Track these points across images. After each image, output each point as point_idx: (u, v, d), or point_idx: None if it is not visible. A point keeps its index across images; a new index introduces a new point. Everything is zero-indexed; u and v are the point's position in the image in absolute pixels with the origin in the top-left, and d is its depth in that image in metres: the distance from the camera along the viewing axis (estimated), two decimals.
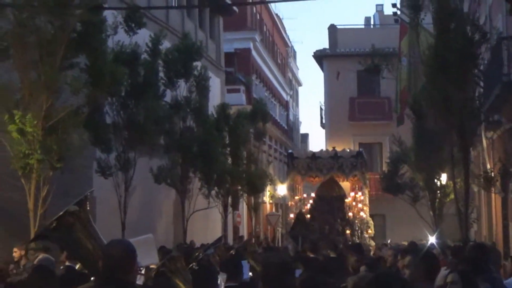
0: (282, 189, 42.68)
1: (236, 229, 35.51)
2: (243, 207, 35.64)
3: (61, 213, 5.19)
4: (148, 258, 6.12)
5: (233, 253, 14.97)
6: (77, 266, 8.42)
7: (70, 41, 14.03)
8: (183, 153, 23.47)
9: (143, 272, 6.66)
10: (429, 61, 18.28)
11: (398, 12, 27.91)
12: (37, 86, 13.52)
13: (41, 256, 10.44)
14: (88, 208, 5.35)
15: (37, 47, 13.50)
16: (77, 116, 14.54)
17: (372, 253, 22.42)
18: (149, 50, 21.46)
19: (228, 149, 28.22)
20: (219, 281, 8.01)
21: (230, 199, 28.68)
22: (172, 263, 6.62)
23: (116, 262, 4.58)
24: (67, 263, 10.02)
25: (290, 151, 32.22)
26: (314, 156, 27.99)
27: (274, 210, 44.25)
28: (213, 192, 26.08)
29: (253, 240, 31.66)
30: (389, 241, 26.20)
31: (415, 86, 23.46)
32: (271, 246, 20.98)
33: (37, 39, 13.51)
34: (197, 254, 11.15)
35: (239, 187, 29.42)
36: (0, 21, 13.46)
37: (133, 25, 20.28)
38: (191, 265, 9.71)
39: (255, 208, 34.16)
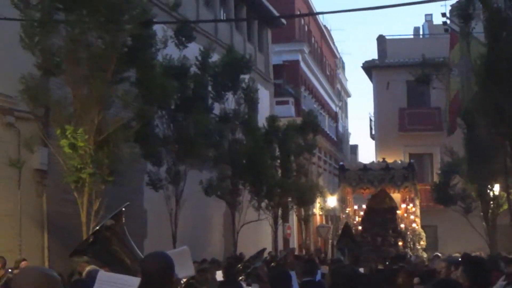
0: (332, 201, 42.50)
1: (286, 241, 35.45)
2: (293, 219, 35.59)
3: (97, 227, 5.23)
4: (184, 270, 6.16)
5: (274, 265, 15.01)
6: None
7: (120, 55, 14.17)
8: (233, 166, 23.52)
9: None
10: (481, 71, 18.06)
11: (448, 22, 27.69)
12: (88, 100, 13.68)
13: (89, 267, 10.51)
14: (124, 221, 5.33)
15: (89, 62, 13.66)
16: (128, 129, 14.66)
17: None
18: (198, 64, 21.61)
19: (278, 161, 28.21)
20: None
21: (280, 211, 28.64)
22: (202, 275, 6.63)
23: (155, 275, 4.56)
24: None
25: (341, 163, 32.10)
26: (365, 168, 27.80)
27: (324, 222, 44.09)
28: (263, 204, 26.07)
29: (304, 252, 31.62)
30: (439, 254, 25.84)
31: (466, 96, 23.16)
32: (311, 258, 20.87)
33: (89, 54, 13.68)
34: (238, 266, 11.16)
35: (289, 199, 29.38)
36: (53, 37, 13.67)
37: (183, 38, 20.46)
38: (240, 277, 9.74)
39: (305, 220, 34.07)
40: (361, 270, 14.48)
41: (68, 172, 13.73)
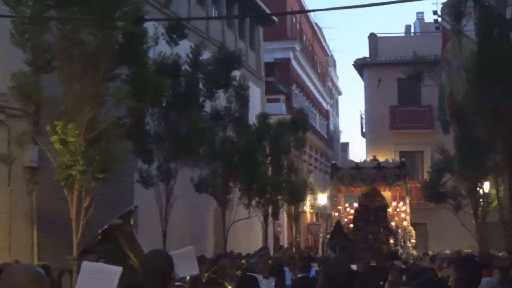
0: (322, 199, 42.57)
1: (276, 238, 35.48)
2: (284, 216, 35.60)
3: (105, 226, 5.33)
4: (189, 269, 6.37)
5: (271, 262, 15.16)
6: None
7: (112, 53, 14.13)
8: (224, 163, 23.51)
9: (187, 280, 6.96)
10: (473, 68, 18.08)
11: (439, 20, 27.67)
12: (80, 98, 13.64)
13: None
14: (132, 222, 5.46)
15: (81, 60, 13.61)
16: (120, 127, 14.63)
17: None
18: (190, 61, 21.57)
19: (269, 158, 28.20)
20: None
21: (270, 209, 28.64)
22: (222, 270, 6.85)
23: (155, 271, 4.74)
24: None
25: (333, 161, 32.20)
26: (357, 166, 27.88)
27: (314, 219, 44.15)
28: (253, 202, 26.07)
29: (294, 249, 31.67)
30: (430, 252, 25.92)
31: (457, 94, 23.16)
32: (307, 256, 20.97)
33: (81, 51, 13.63)
34: (242, 262, 11.29)
35: (280, 197, 29.39)
36: (44, 34, 13.61)
37: (174, 36, 20.43)
38: (236, 273, 9.88)
39: (295, 217, 34.09)
40: (354, 267, 14.61)
41: (59, 169, 13.68)
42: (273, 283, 10.06)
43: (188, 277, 7.08)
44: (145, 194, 20.16)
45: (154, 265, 4.75)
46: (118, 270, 5.19)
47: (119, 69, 15.04)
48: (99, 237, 5.29)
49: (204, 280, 6.41)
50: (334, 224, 26.91)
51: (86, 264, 5.49)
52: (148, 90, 15.96)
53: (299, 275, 11.27)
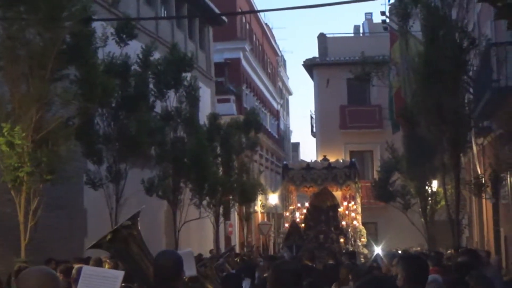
0: (273, 199, 42.69)
1: (228, 238, 35.48)
2: (235, 217, 35.63)
3: (116, 226, 5.60)
4: (187, 270, 6.68)
5: (238, 261, 15.27)
6: None
7: (60, 53, 13.99)
8: (175, 164, 23.42)
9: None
10: (420, 68, 18.32)
11: (387, 20, 27.94)
12: (27, 98, 13.48)
13: (79, 266, 10.46)
14: (139, 225, 5.70)
15: (27, 60, 13.46)
16: (67, 127, 14.50)
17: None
18: (140, 62, 21.46)
19: (220, 159, 28.19)
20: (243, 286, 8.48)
21: (221, 209, 28.63)
22: (204, 270, 7.08)
23: (166, 270, 5.16)
24: None
25: (285, 162, 32.31)
26: (308, 167, 28.00)
27: (265, 219, 44.24)
28: (204, 202, 26.03)
29: (245, 250, 31.67)
30: (378, 250, 26.15)
31: (405, 93, 23.44)
32: (273, 255, 21.07)
33: (27, 51, 13.48)
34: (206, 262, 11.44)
35: (231, 197, 29.38)
36: None
37: (124, 36, 20.28)
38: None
39: (246, 217, 34.14)
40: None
41: (6, 171, 13.52)
42: (248, 285, 10.18)
43: None
44: (94, 195, 19.99)
45: (165, 263, 5.20)
46: (119, 274, 5.40)
47: (67, 70, 14.90)
48: (110, 236, 5.48)
49: (187, 279, 6.61)
50: (289, 224, 26.98)
51: (86, 268, 5.69)
52: (97, 91, 15.85)
53: (265, 275, 11.41)
